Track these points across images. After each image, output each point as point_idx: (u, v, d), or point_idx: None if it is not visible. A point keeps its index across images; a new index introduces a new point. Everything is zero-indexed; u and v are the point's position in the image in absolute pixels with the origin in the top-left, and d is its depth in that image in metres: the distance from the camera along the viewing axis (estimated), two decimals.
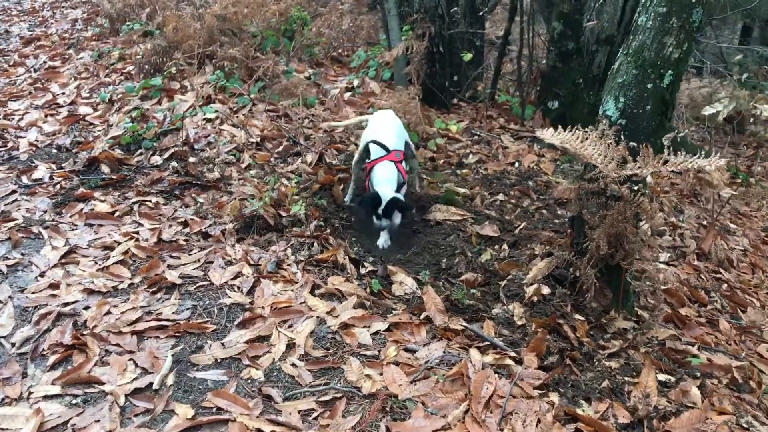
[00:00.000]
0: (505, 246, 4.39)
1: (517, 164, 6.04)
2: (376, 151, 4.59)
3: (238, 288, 3.75)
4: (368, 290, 3.74)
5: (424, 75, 7.06)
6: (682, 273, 4.96)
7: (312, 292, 3.69)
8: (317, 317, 3.46)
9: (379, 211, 4.28)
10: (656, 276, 3.59)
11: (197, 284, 3.78)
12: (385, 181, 4.40)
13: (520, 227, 4.67)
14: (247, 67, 6.68)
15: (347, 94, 6.92)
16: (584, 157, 3.37)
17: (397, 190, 4.44)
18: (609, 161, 3.33)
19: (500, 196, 5.29)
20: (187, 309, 3.56)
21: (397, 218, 4.36)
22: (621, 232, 3.48)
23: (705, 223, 6.75)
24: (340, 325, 3.40)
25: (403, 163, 4.59)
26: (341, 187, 5.05)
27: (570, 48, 7.18)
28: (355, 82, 7.18)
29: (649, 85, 3.58)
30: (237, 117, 6.00)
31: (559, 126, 3.59)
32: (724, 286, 5.19)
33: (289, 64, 7.17)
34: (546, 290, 3.59)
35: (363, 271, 4.02)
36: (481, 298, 3.67)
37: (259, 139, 5.62)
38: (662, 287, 4.48)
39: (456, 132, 6.45)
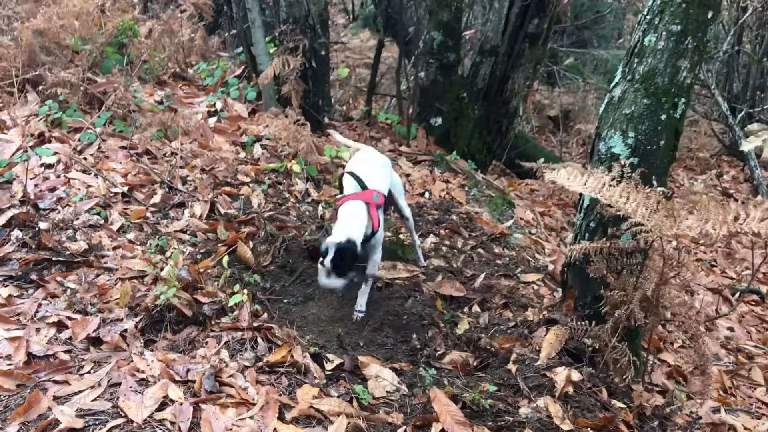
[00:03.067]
0: (476, 307, 3.68)
1: (428, 194, 5.35)
2: (348, 186, 3.67)
3: (173, 423, 2.66)
4: (354, 402, 2.82)
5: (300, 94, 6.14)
6: None
7: (281, 418, 2.70)
8: None
9: (326, 262, 3.28)
10: (701, 346, 3.03)
11: (108, 425, 2.62)
12: (343, 226, 3.42)
13: (479, 280, 3.97)
14: (85, 93, 5.33)
15: (212, 120, 5.81)
16: (623, 211, 2.72)
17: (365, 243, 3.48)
18: (652, 215, 2.71)
19: (432, 238, 4.56)
20: None
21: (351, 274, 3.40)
22: (657, 295, 2.90)
23: None
24: None
25: (381, 213, 3.63)
26: (251, 246, 4.03)
27: (451, 60, 6.65)
28: (218, 105, 6.07)
29: (663, 117, 3.05)
30: (85, 159, 4.70)
31: (573, 171, 2.92)
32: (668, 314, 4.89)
33: (132, 86, 5.88)
34: (576, 375, 2.92)
35: (329, 366, 3.09)
36: (501, 395, 2.91)
37: (125, 189, 4.40)
38: None
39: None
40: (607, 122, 3.15)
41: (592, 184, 2.82)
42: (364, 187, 3.61)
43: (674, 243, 2.82)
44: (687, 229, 2.61)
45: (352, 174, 3.69)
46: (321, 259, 3.32)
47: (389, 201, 3.98)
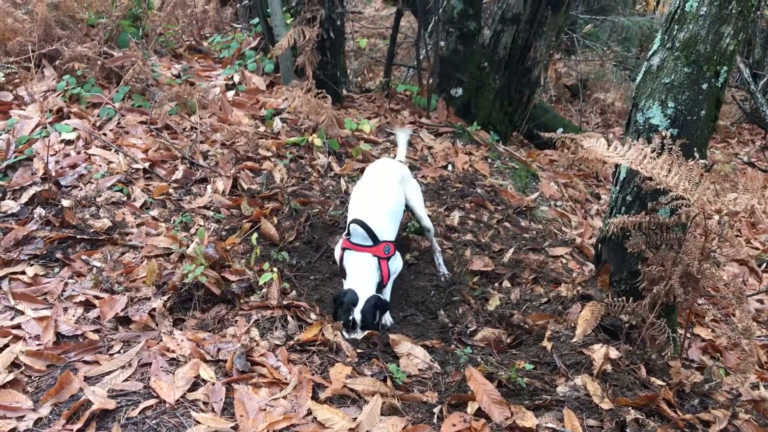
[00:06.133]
0: (506, 283, 3.61)
1: (451, 167, 5.26)
2: (358, 234, 3.41)
3: (206, 404, 2.63)
4: (388, 381, 2.78)
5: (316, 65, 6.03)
6: None
7: (315, 397, 2.67)
8: None
9: (353, 317, 3.17)
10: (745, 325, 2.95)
11: (140, 406, 2.60)
12: (361, 281, 3.31)
13: (508, 255, 3.90)
14: (102, 67, 5.26)
15: (230, 94, 5.72)
16: (664, 184, 2.64)
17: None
18: (694, 189, 2.62)
19: (457, 212, 4.48)
20: None
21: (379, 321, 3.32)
22: (697, 271, 2.82)
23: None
24: None
25: (392, 262, 3.42)
26: (275, 222, 3.98)
27: (472, 29, 6.50)
28: (236, 78, 5.98)
29: (704, 86, 2.94)
30: (105, 135, 4.64)
31: (614, 141, 2.82)
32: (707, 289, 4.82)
33: (150, 59, 5.80)
34: (614, 353, 2.85)
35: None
36: (537, 373, 2.85)
37: (147, 165, 4.34)
38: None
39: (370, 132, 5.52)
40: (645, 92, 3.04)
41: (632, 156, 2.73)
42: (376, 240, 3.38)
43: (716, 217, 2.73)
44: (731, 203, 2.52)
45: (362, 224, 3.40)
46: (343, 315, 3.22)
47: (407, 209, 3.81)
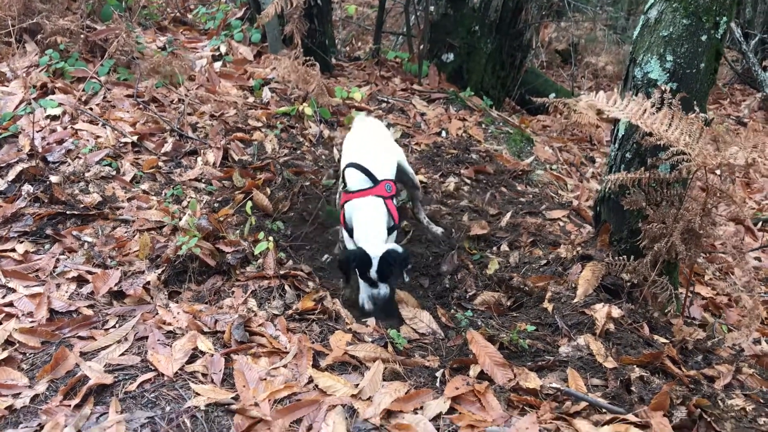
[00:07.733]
0: (504, 246, 3.57)
1: (445, 133, 5.19)
2: (355, 180, 3.24)
3: (204, 375, 2.59)
4: (389, 347, 2.74)
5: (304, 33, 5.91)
6: None
7: (316, 365, 2.63)
8: (342, 406, 2.42)
9: (371, 274, 2.96)
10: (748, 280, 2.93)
11: (138, 379, 2.55)
12: (371, 230, 3.09)
13: (506, 219, 3.86)
14: (86, 41, 5.13)
15: (217, 65, 5.61)
16: (664, 139, 2.58)
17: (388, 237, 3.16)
18: (695, 143, 2.57)
19: (452, 179, 4.43)
20: (143, 426, 2.36)
21: (396, 279, 3.10)
22: (699, 226, 2.78)
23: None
24: (382, 415, 2.39)
25: (395, 200, 3.24)
26: (268, 193, 3.91)
27: None
28: (222, 48, 5.86)
29: (704, 37, 2.87)
30: (91, 110, 4.54)
31: (616, 94, 2.76)
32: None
33: (134, 32, 5.67)
34: (616, 312, 2.82)
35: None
36: (539, 335, 2.82)
37: (135, 138, 4.25)
38: None
39: (361, 100, 5.44)
40: (643, 46, 2.97)
41: (632, 110, 2.67)
42: (375, 180, 3.21)
43: (717, 172, 2.68)
44: (732, 157, 2.47)
45: (358, 167, 3.25)
46: (360, 272, 3.01)
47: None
